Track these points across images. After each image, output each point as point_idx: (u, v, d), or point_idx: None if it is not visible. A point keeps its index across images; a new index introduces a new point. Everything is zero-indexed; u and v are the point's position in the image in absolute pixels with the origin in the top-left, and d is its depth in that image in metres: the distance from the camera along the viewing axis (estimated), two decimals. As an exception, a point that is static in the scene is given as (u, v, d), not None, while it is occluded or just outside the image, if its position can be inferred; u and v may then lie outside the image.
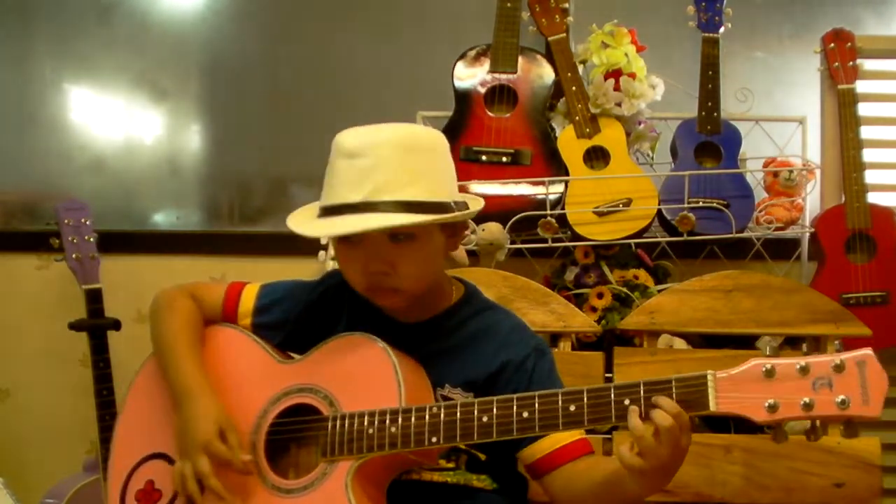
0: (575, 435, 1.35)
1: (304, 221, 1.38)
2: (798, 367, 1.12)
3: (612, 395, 1.20)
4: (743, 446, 1.75)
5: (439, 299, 1.45)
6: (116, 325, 2.28)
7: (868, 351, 1.12)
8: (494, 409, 1.25)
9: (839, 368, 1.11)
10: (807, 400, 1.11)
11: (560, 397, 1.22)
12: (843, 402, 1.10)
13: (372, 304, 1.42)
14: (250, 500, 1.33)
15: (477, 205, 1.42)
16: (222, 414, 1.35)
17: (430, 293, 1.43)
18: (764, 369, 1.13)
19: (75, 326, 2.25)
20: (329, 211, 1.32)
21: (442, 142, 1.39)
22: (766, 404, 1.12)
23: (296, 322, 1.48)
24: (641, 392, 1.18)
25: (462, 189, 1.48)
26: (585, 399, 1.21)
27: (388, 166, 1.29)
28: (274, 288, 1.51)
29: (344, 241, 1.35)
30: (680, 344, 2.01)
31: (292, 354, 1.46)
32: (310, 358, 1.40)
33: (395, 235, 1.32)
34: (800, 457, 1.72)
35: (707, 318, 1.84)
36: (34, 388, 2.54)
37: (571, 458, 1.34)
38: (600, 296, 2.09)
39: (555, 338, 1.89)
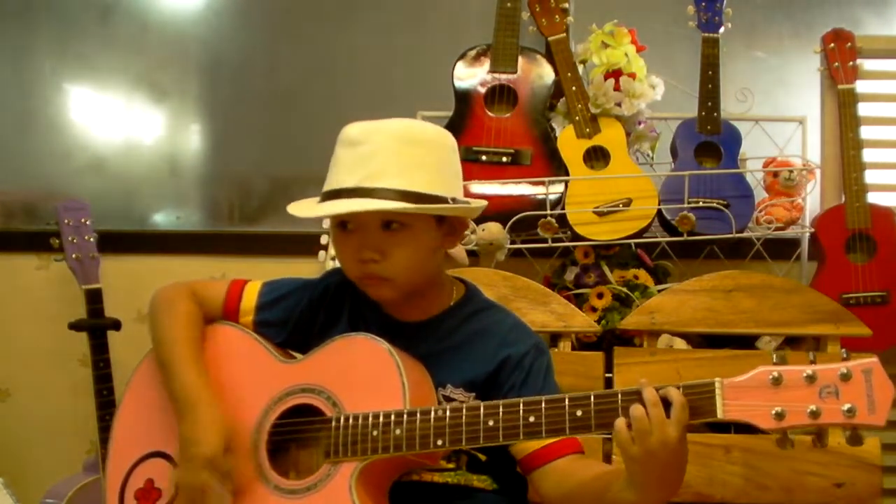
0: None
1: (301, 205, 1.39)
2: (805, 375, 1.13)
3: (620, 401, 1.19)
4: (743, 446, 1.75)
5: (440, 299, 1.44)
6: (116, 325, 2.28)
7: (874, 359, 1.12)
8: (501, 413, 1.24)
9: (846, 377, 1.11)
10: (814, 408, 1.11)
11: (567, 402, 1.21)
12: (849, 410, 1.10)
13: (373, 303, 1.42)
14: (252, 501, 1.32)
15: (477, 205, 1.41)
16: (225, 427, 1.33)
17: (430, 292, 1.43)
18: (771, 377, 1.13)
19: (75, 326, 2.25)
20: (327, 196, 1.33)
21: (446, 139, 1.39)
22: (774, 412, 1.12)
23: (298, 320, 1.47)
24: None
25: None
26: (592, 404, 1.20)
27: (385, 154, 1.30)
28: (276, 285, 1.51)
29: (340, 228, 1.36)
30: (680, 344, 2.00)
31: (294, 354, 1.46)
32: (312, 358, 1.40)
33: (388, 223, 1.33)
34: (800, 457, 1.73)
35: (707, 318, 1.84)
36: (34, 388, 2.54)
37: (561, 455, 1.34)
38: (600, 296, 2.09)
39: (555, 338, 1.89)
